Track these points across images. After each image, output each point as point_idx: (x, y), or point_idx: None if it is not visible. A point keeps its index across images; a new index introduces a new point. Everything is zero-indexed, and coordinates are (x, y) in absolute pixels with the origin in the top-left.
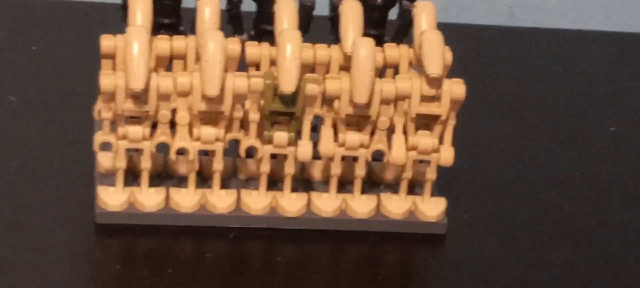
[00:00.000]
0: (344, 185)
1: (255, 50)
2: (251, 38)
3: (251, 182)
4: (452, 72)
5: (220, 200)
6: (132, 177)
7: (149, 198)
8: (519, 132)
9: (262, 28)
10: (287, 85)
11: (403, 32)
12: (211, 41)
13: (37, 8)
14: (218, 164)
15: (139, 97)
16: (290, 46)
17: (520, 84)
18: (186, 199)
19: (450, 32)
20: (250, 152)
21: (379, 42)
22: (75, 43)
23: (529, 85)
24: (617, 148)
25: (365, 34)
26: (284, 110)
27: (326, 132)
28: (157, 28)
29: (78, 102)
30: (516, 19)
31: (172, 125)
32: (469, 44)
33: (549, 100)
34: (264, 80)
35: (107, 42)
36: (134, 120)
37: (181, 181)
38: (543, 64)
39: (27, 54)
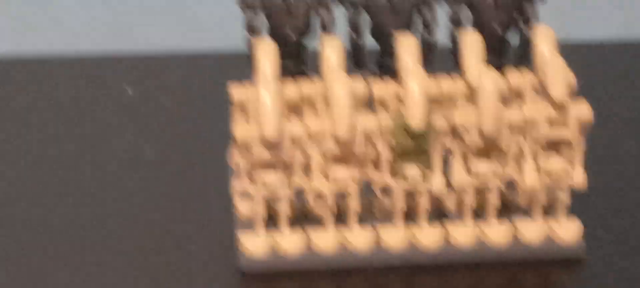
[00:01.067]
0: (479, 214)
1: (382, 88)
2: (375, 75)
3: (387, 218)
4: (580, 92)
5: (359, 239)
6: (271, 221)
7: (290, 242)
8: None
9: (385, 64)
10: (417, 122)
11: (524, 57)
12: (338, 84)
13: (164, 63)
14: (354, 204)
15: (274, 145)
16: (416, 84)
17: None
18: (326, 240)
19: (571, 51)
20: (385, 190)
21: (500, 67)
22: (203, 94)
23: None
24: None
25: (487, 61)
26: (415, 146)
27: (457, 163)
28: (284, 72)
29: (212, 150)
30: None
31: (307, 167)
32: (591, 61)
33: None
34: (394, 120)
35: (237, 92)
36: (270, 165)
37: (319, 222)
38: None
39: (159, 108)
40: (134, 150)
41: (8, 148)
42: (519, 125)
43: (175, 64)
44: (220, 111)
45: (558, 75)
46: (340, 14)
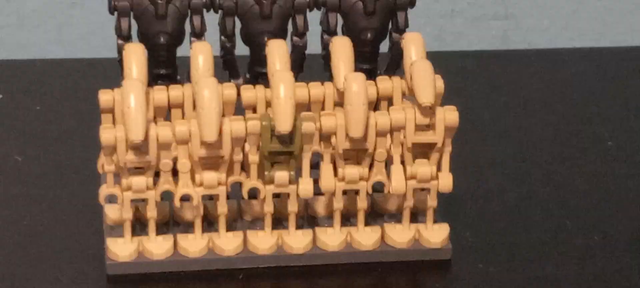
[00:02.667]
0: (348, 218)
1: (251, 93)
2: (247, 82)
3: (257, 222)
4: (450, 99)
5: (228, 243)
6: (139, 226)
7: (157, 247)
8: (519, 154)
9: (256, 71)
10: (283, 125)
11: (395, 64)
12: (206, 88)
13: (38, 68)
14: (222, 208)
15: (140, 148)
16: (283, 87)
17: (518, 105)
18: (194, 244)
19: (445, 59)
20: (254, 194)
21: (372, 75)
22: (76, 100)
23: (526, 106)
24: (616, 162)
25: (357, 69)
26: (283, 149)
27: (325, 167)
28: (154, 79)
29: (83, 158)
30: (511, 42)
31: (175, 172)
32: (464, 70)
33: (546, 120)
34: (261, 122)
35: (105, 96)
36: (137, 170)
37: (188, 227)
38: (540, 83)
39: (30, 113)
40: (2, 156)
41: None
42: (385, 129)
43: (47, 69)
44: (91, 117)
45: (426, 80)
46: (211, 20)
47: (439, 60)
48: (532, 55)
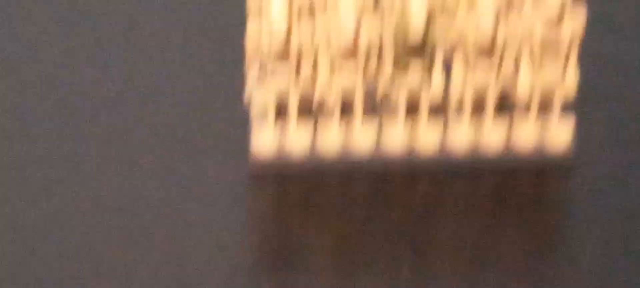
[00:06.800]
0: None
1: None
2: None
3: (389, 121)
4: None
5: (362, 139)
6: (280, 121)
7: (297, 142)
8: None
9: None
10: (416, 34)
11: None
12: None
13: None
14: (358, 106)
15: (281, 54)
16: None
17: None
18: (331, 141)
19: None
20: (386, 94)
21: None
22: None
23: None
24: None
25: None
26: (416, 50)
27: (456, 69)
28: None
29: (230, 54)
30: None
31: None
32: None
33: None
34: (397, 24)
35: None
36: (279, 70)
37: (325, 124)
38: None
39: (170, 4)
40: (161, 39)
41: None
42: (516, 31)
43: None
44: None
45: None
46: None
47: None
48: None
